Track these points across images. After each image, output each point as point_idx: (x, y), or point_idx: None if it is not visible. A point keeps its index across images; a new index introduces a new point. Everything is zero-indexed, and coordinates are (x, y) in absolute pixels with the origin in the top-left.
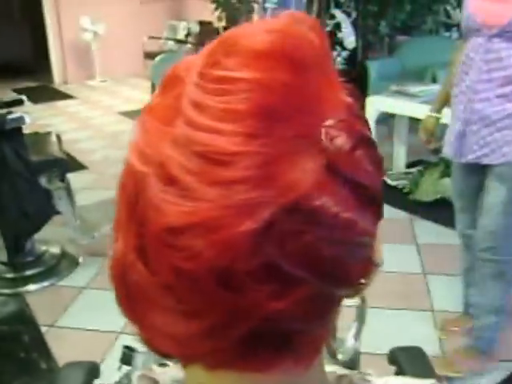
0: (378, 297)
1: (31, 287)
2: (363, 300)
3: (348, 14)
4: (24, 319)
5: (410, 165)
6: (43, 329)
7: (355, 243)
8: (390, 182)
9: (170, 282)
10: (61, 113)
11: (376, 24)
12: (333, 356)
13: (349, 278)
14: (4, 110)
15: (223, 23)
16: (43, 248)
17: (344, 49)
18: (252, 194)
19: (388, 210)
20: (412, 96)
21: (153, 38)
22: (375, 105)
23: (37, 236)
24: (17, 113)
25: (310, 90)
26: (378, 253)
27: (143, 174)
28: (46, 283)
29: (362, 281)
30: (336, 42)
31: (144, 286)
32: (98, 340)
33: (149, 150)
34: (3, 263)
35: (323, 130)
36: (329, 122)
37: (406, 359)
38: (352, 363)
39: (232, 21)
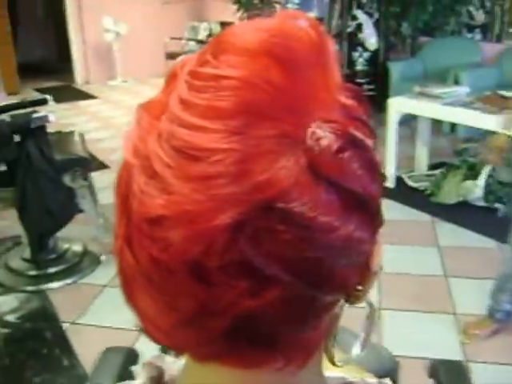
0: (398, 299)
1: (54, 285)
2: (372, 308)
3: (370, 15)
4: (46, 316)
5: (432, 167)
6: (65, 326)
7: (339, 248)
8: (411, 183)
9: (149, 271)
10: (83, 112)
11: (398, 25)
12: (331, 362)
13: (335, 283)
14: (29, 109)
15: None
16: (66, 246)
17: (366, 50)
18: (226, 190)
19: (409, 212)
20: (435, 97)
21: (174, 38)
22: (397, 106)
23: (60, 234)
24: (41, 112)
25: (299, 90)
26: (376, 259)
27: (133, 166)
28: (68, 281)
29: (359, 287)
30: (358, 42)
31: (133, 274)
32: (120, 338)
33: (139, 143)
34: (26, 260)
35: (309, 131)
36: (317, 123)
37: (445, 373)
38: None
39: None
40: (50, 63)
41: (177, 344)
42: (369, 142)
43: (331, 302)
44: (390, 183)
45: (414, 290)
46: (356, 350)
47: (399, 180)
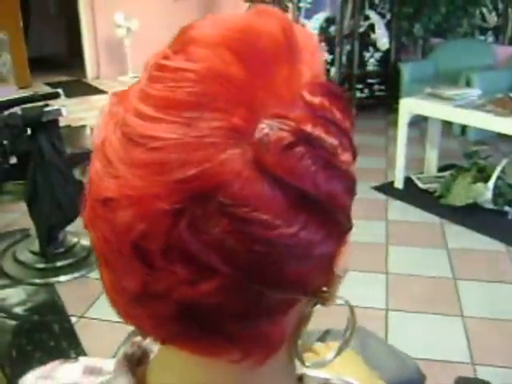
0: (406, 300)
1: (62, 278)
2: (351, 313)
3: (382, 16)
4: (54, 309)
5: (441, 168)
6: (73, 319)
7: (282, 246)
8: (420, 185)
9: (103, 251)
10: (93, 107)
11: (410, 26)
12: (301, 362)
13: (285, 281)
14: (41, 103)
15: None
16: (74, 240)
17: (377, 50)
18: (162, 178)
19: (418, 214)
20: (446, 99)
21: None
22: (408, 107)
23: (68, 228)
24: (54, 105)
25: (255, 85)
26: (340, 262)
27: (94, 151)
28: (76, 274)
29: (324, 289)
30: (369, 43)
31: (96, 253)
32: (127, 332)
33: (102, 129)
34: (35, 253)
35: (259, 126)
36: (269, 119)
37: None
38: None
39: None
40: (60, 58)
41: (134, 322)
42: (332, 140)
43: (288, 301)
44: (398, 184)
45: (422, 292)
46: (331, 354)
47: (408, 181)
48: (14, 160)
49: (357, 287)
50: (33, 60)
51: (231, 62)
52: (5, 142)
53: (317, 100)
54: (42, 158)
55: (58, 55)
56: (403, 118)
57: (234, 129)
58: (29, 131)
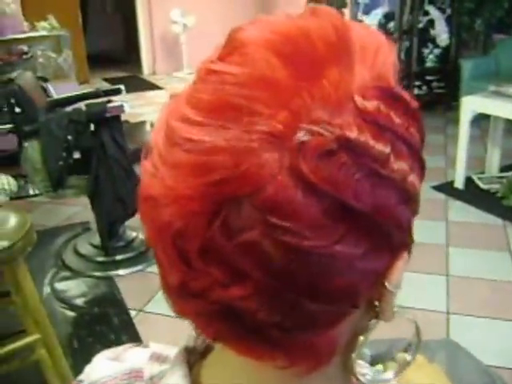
0: (468, 304)
1: (121, 272)
2: (417, 331)
3: (442, 11)
4: (114, 302)
5: (503, 168)
6: (132, 313)
7: (315, 256)
8: (482, 185)
9: (151, 245)
10: (149, 103)
11: (471, 21)
12: (354, 376)
13: (321, 293)
14: (104, 99)
15: None
16: (134, 234)
17: (437, 46)
18: (198, 180)
19: (480, 215)
20: (511, 97)
21: None
22: (471, 105)
23: (128, 222)
24: (116, 101)
25: (299, 89)
26: (392, 277)
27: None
28: (135, 268)
29: (376, 303)
30: (429, 39)
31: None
32: (186, 328)
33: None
34: (95, 246)
35: (299, 130)
36: (311, 123)
37: None
38: None
39: None
40: (117, 54)
41: (186, 317)
42: (381, 147)
43: (334, 313)
44: (459, 184)
45: (485, 296)
46: (388, 375)
47: (469, 181)
48: (77, 155)
49: (416, 289)
50: (90, 56)
51: (276, 65)
52: (69, 137)
53: (370, 104)
54: (104, 154)
55: (115, 51)
56: (465, 117)
57: (272, 133)
58: (92, 127)
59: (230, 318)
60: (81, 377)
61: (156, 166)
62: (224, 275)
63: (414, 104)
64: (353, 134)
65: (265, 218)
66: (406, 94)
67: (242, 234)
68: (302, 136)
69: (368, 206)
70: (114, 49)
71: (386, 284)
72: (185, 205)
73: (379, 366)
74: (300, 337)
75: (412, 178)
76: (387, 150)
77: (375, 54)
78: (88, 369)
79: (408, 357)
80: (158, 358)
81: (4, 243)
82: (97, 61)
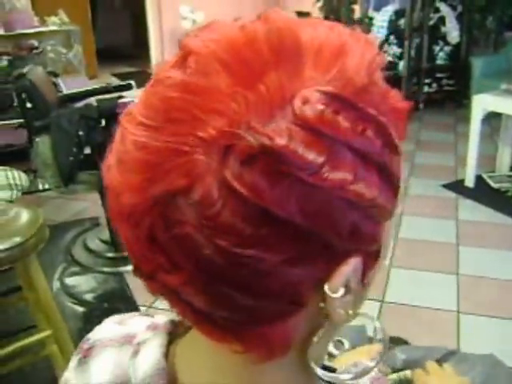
0: (479, 304)
1: (130, 267)
2: (383, 337)
3: (453, 8)
4: (124, 298)
5: None
6: (141, 309)
7: (237, 256)
8: (492, 184)
9: (115, 225)
10: None
11: (482, 18)
12: (313, 370)
13: (253, 290)
14: (116, 94)
15: (322, 14)
16: None
17: (447, 43)
18: (137, 177)
19: (490, 214)
20: None
21: None
22: (482, 103)
23: None
24: (128, 97)
25: (234, 95)
26: (334, 282)
27: None
28: None
29: (321, 305)
30: (439, 36)
31: None
32: None
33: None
34: (104, 242)
35: (229, 137)
36: (242, 129)
37: None
38: None
39: (332, 12)
40: (125, 49)
41: (154, 295)
42: (312, 156)
43: (275, 308)
44: (469, 182)
45: (496, 296)
46: (347, 376)
47: (479, 180)
48: (87, 150)
49: (426, 287)
50: (99, 51)
51: (218, 72)
52: (80, 132)
53: (311, 109)
54: None
55: (123, 46)
56: (476, 115)
57: (203, 138)
58: (103, 122)
59: (182, 301)
60: (89, 335)
61: (111, 161)
62: (166, 262)
63: (362, 111)
64: (280, 141)
65: (195, 215)
66: (356, 99)
67: (177, 227)
68: (228, 142)
69: (292, 213)
70: (123, 44)
71: (326, 288)
72: (130, 197)
73: (407, 372)
74: (247, 327)
75: (356, 187)
76: (320, 159)
77: (334, 58)
78: (96, 329)
79: (371, 363)
80: (154, 328)
81: (17, 239)
82: (105, 56)
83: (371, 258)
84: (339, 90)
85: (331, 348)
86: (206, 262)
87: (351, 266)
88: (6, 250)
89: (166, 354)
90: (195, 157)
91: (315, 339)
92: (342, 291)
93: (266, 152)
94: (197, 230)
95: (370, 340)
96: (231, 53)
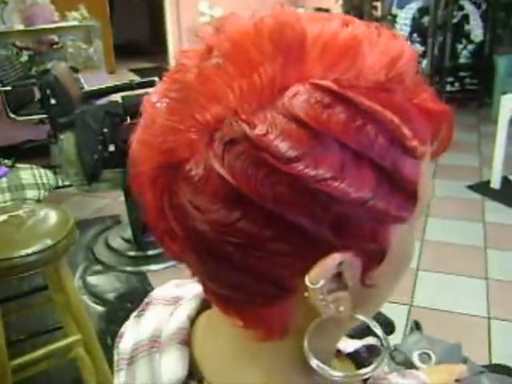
0: (510, 309)
1: (153, 267)
2: (380, 338)
3: (478, 6)
4: (146, 297)
5: None
6: None
7: (221, 233)
8: None
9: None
10: None
11: (507, 17)
12: (307, 358)
13: (235, 262)
14: (141, 91)
15: (341, 10)
16: None
17: (471, 42)
18: (151, 151)
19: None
20: None
21: None
22: (510, 103)
23: None
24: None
25: (232, 85)
26: (313, 272)
27: None
28: (167, 264)
29: (310, 285)
30: (462, 34)
31: None
32: None
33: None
34: (127, 241)
35: (220, 122)
36: (232, 116)
37: None
38: None
39: (352, 8)
40: (142, 45)
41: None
42: (286, 147)
43: (262, 289)
44: (495, 184)
45: None
46: (338, 373)
47: (505, 181)
48: (112, 148)
49: (455, 292)
50: (116, 47)
51: (220, 62)
52: (105, 130)
53: (300, 102)
54: None
55: (141, 42)
56: (504, 116)
57: (200, 121)
58: (128, 119)
59: (190, 270)
60: (152, 292)
61: (135, 134)
62: (168, 229)
63: (356, 104)
64: (261, 130)
65: (186, 188)
66: (348, 93)
67: (174, 198)
68: (216, 126)
69: (266, 198)
70: (140, 39)
71: (306, 279)
72: (146, 167)
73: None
74: (242, 305)
75: (336, 184)
76: (296, 151)
77: (344, 53)
78: (158, 288)
79: (366, 369)
80: (198, 294)
81: (47, 241)
82: (123, 51)
83: (372, 258)
84: (344, 85)
85: (416, 359)
86: (195, 233)
87: (336, 261)
88: (37, 252)
89: (193, 318)
90: (189, 135)
91: (310, 328)
92: (321, 283)
93: (245, 138)
94: (188, 202)
95: (464, 361)
96: (237, 45)
